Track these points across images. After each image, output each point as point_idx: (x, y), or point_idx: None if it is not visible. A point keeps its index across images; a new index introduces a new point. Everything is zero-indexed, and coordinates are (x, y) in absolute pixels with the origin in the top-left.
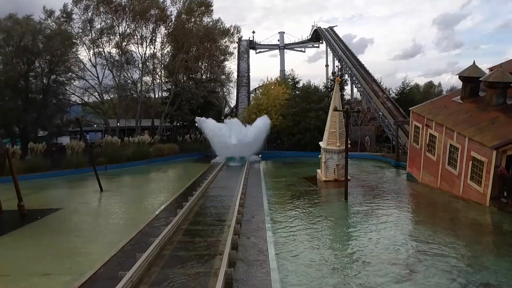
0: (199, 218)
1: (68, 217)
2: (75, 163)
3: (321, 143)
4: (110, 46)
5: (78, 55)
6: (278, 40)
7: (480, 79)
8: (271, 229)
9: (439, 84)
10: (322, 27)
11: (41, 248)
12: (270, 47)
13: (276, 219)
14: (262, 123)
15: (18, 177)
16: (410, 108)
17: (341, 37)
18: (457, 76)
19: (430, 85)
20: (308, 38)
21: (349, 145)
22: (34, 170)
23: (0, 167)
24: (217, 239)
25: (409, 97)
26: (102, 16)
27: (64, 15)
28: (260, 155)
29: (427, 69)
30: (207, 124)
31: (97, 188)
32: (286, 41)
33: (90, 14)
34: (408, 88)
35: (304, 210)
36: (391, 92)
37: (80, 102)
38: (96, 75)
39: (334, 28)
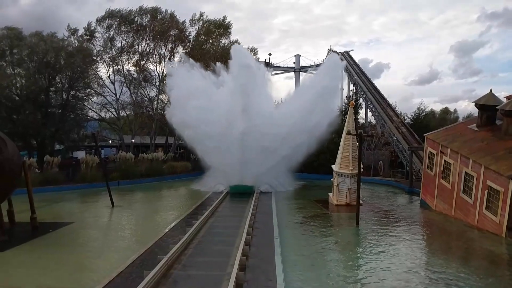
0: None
1: (79, 231)
2: (89, 177)
3: (333, 166)
4: (129, 64)
5: (97, 72)
6: (294, 63)
7: (497, 107)
8: (280, 254)
9: (455, 111)
10: (338, 51)
11: (51, 262)
12: (286, 69)
13: (286, 242)
14: (325, 85)
15: (32, 189)
16: (425, 134)
17: (357, 61)
18: (473, 103)
19: (446, 111)
20: (324, 61)
21: (362, 169)
22: (49, 183)
23: (16, 179)
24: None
25: (424, 123)
26: (123, 35)
27: (87, 33)
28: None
29: (443, 96)
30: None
31: (109, 203)
32: (302, 63)
33: (112, 33)
34: (424, 114)
35: (314, 234)
36: (406, 118)
37: (97, 118)
38: (114, 92)
39: (350, 52)
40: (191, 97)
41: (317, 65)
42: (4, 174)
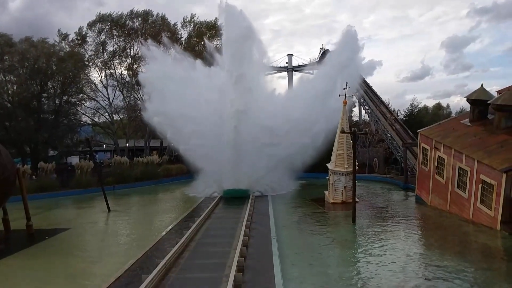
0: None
1: (75, 237)
2: (84, 183)
3: (328, 165)
4: (122, 68)
5: (90, 77)
6: (287, 63)
7: (488, 102)
8: (277, 254)
9: (448, 106)
10: (330, 50)
11: (48, 269)
12: (279, 69)
13: (283, 241)
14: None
15: (27, 196)
16: (418, 131)
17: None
18: (465, 98)
19: (438, 107)
20: (317, 60)
21: (357, 167)
22: (44, 189)
23: (10, 187)
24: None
25: (418, 119)
26: (114, 39)
27: (79, 38)
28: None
29: (435, 91)
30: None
31: (105, 208)
32: (294, 63)
33: (103, 37)
34: (417, 110)
35: (311, 233)
36: (399, 114)
37: (90, 123)
38: (107, 96)
39: None
40: (172, 86)
41: (310, 64)
42: None
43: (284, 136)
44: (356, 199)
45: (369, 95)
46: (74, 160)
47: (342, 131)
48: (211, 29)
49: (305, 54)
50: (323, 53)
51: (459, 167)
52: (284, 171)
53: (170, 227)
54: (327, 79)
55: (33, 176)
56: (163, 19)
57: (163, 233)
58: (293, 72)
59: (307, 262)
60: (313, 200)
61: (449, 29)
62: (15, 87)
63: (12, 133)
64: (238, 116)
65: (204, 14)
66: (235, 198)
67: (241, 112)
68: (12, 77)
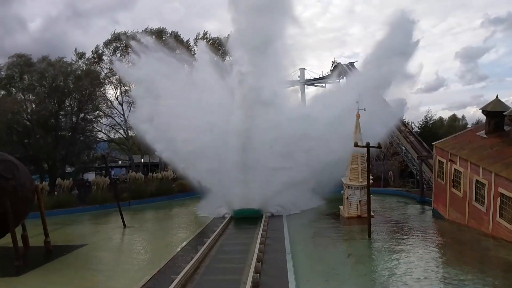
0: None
1: (92, 253)
2: (100, 198)
3: (343, 179)
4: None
5: (105, 94)
6: (299, 76)
7: (504, 113)
8: (292, 270)
9: (463, 117)
10: (342, 63)
11: (66, 285)
12: (291, 83)
13: (298, 257)
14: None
15: (45, 212)
16: (433, 143)
17: (358, 73)
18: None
19: (454, 118)
20: (329, 73)
21: (371, 181)
22: (61, 205)
23: (29, 204)
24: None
25: (433, 131)
26: (129, 57)
27: (95, 56)
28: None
29: (451, 102)
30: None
31: (121, 224)
32: (307, 77)
33: (118, 55)
34: (431, 122)
35: (326, 248)
36: (413, 126)
37: (106, 139)
38: (122, 113)
39: (355, 64)
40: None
41: (322, 78)
42: (17, 200)
43: (301, 157)
44: (372, 213)
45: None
46: (91, 176)
47: (356, 145)
48: (223, 46)
49: (317, 67)
50: (335, 67)
51: (476, 180)
52: (304, 189)
53: (184, 243)
54: (376, 68)
55: (55, 193)
56: (176, 36)
57: (178, 249)
58: (306, 85)
59: (323, 278)
60: (328, 215)
61: (463, 40)
62: (34, 106)
63: (31, 150)
64: (246, 134)
65: (217, 30)
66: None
67: (249, 130)
68: (31, 96)
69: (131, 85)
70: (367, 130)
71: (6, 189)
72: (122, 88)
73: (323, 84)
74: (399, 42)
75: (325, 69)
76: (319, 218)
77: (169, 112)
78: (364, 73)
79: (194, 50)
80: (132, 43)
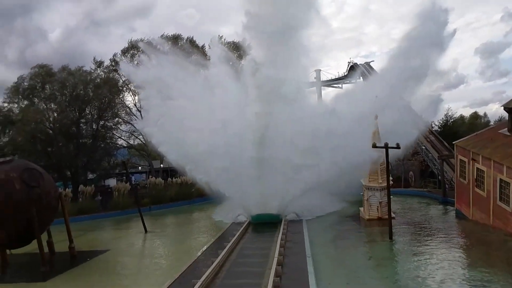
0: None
1: (114, 258)
2: (121, 204)
3: (362, 180)
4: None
5: (124, 101)
6: (315, 78)
7: None
8: (313, 273)
9: (485, 115)
10: (358, 63)
11: None
12: (309, 84)
13: (318, 259)
14: None
15: (69, 219)
16: (454, 142)
17: (378, 71)
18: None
19: (475, 116)
20: (345, 74)
21: (391, 182)
22: (84, 212)
23: (53, 211)
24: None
25: (453, 129)
26: (140, 59)
27: (113, 64)
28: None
29: (472, 100)
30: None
31: (142, 229)
32: (323, 78)
33: (135, 62)
34: (452, 120)
35: (347, 251)
36: (433, 125)
37: (126, 145)
38: (141, 119)
39: (371, 63)
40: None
41: (338, 78)
42: (42, 207)
43: (327, 155)
44: (393, 215)
45: None
46: (112, 182)
47: (374, 146)
48: (238, 49)
49: (333, 68)
50: (351, 67)
51: (500, 179)
52: (325, 192)
53: (205, 247)
54: (407, 61)
55: (80, 199)
56: (192, 41)
57: (199, 254)
58: (322, 86)
59: (344, 281)
60: (349, 217)
61: (482, 35)
62: (55, 114)
63: (54, 158)
64: (263, 132)
65: (232, 34)
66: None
67: (266, 127)
68: (53, 105)
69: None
70: (398, 128)
71: (32, 197)
72: (140, 95)
73: (340, 85)
74: (432, 32)
75: (341, 70)
76: (339, 220)
77: (180, 113)
78: (393, 68)
79: (209, 56)
80: (144, 46)
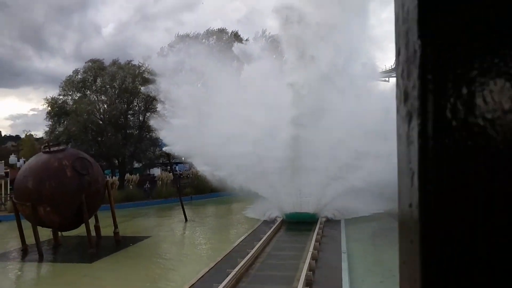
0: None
1: (155, 245)
2: (164, 193)
3: None
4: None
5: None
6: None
7: None
8: (347, 269)
9: None
10: None
11: (130, 273)
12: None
13: (354, 256)
14: None
15: (115, 205)
16: None
17: None
18: None
19: None
20: (392, 67)
21: None
22: (129, 199)
23: (101, 197)
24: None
25: None
26: (196, 57)
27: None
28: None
29: None
30: None
31: (183, 218)
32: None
33: (182, 55)
34: None
35: (384, 249)
36: None
37: None
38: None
39: None
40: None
41: (386, 72)
42: (90, 194)
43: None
44: None
45: None
46: (156, 171)
47: None
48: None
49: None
50: None
51: None
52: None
53: (242, 238)
54: None
55: (130, 186)
56: (236, 35)
57: (235, 244)
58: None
59: (378, 279)
60: (390, 215)
61: None
62: (105, 106)
63: (104, 147)
64: (298, 122)
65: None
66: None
67: (303, 116)
68: (103, 97)
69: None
70: None
71: (82, 184)
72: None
73: (387, 79)
74: None
75: (388, 62)
76: (379, 218)
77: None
78: None
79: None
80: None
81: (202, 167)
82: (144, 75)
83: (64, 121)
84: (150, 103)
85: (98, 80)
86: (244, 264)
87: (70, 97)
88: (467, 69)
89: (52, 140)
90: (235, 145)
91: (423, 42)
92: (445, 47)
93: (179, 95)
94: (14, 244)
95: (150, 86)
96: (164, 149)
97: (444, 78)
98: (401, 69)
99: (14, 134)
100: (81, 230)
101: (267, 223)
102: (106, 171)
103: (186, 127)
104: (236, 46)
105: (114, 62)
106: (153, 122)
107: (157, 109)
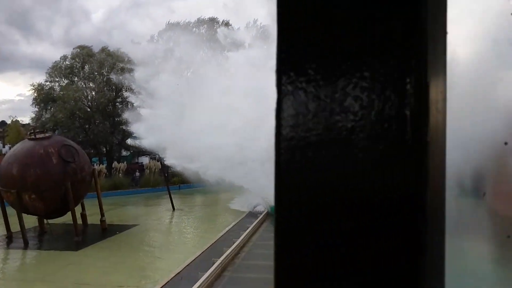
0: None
1: (142, 233)
2: (152, 182)
3: None
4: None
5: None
6: None
7: None
8: None
9: None
10: None
11: (116, 261)
12: None
13: None
14: None
15: (102, 193)
16: None
17: None
18: None
19: None
20: None
21: None
22: (116, 187)
23: (87, 185)
24: None
25: None
26: (182, 46)
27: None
28: None
29: None
30: None
31: (170, 207)
32: None
33: (171, 44)
34: None
35: None
36: None
37: None
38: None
39: None
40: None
41: None
42: (76, 181)
43: None
44: None
45: None
46: (145, 160)
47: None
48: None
49: None
50: None
51: None
52: None
53: (229, 227)
54: None
55: (119, 174)
56: (227, 25)
57: (222, 233)
58: None
59: None
60: None
61: None
62: (93, 93)
63: (91, 135)
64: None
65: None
66: None
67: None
68: (91, 84)
69: (182, 73)
70: None
71: (68, 171)
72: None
73: None
74: None
75: None
76: None
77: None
78: None
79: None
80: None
81: (172, 161)
82: (133, 62)
83: (51, 108)
84: (119, 91)
85: (86, 67)
86: (229, 253)
87: (57, 84)
88: None
89: (38, 127)
90: (215, 136)
91: None
92: None
93: (157, 85)
94: None
95: (126, 75)
96: (127, 141)
97: None
98: None
99: None
100: (67, 218)
101: (253, 214)
102: (93, 159)
103: (161, 118)
104: (220, 31)
105: (103, 49)
106: (127, 115)
107: (127, 99)
